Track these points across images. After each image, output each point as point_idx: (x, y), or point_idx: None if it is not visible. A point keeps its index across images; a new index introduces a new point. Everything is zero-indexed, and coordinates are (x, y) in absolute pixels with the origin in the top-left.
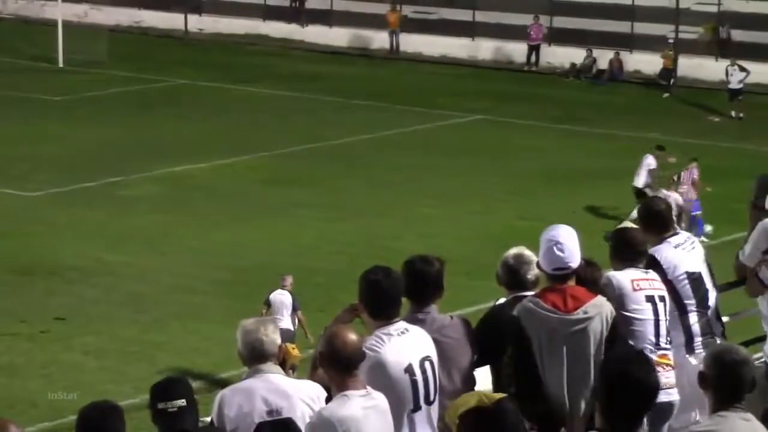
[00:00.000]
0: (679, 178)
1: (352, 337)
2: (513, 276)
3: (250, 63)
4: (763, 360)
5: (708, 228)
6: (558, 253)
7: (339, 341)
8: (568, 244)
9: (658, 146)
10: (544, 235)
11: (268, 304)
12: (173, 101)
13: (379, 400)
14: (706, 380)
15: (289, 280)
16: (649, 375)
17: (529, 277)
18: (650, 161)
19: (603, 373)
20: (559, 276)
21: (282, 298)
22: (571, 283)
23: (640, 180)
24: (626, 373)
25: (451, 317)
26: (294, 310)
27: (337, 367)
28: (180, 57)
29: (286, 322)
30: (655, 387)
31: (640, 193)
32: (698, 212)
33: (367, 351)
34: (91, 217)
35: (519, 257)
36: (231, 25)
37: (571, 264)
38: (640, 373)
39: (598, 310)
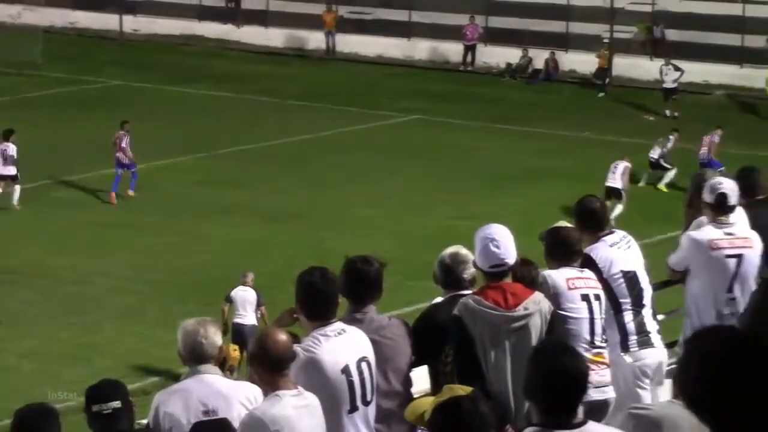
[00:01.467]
0: (700, 142)
1: (282, 337)
2: (450, 275)
3: (186, 64)
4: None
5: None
6: (494, 249)
7: (269, 342)
8: (504, 241)
9: (675, 129)
10: (479, 233)
11: (229, 300)
12: (109, 102)
13: (311, 399)
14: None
15: (250, 276)
16: (579, 363)
17: (465, 276)
18: (623, 166)
19: (534, 365)
20: (496, 273)
21: (245, 294)
22: (509, 280)
23: (656, 152)
24: (557, 363)
25: (390, 318)
26: (258, 305)
27: (268, 368)
28: (115, 58)
29: (250, 318)
30: (586, 375)
31: (655, 163)
32: (721, 168)
33: (303, 352)
34: (27, 219)
35: (455, 256)
36: (166, 26)
37: (507, 260)
38: (571, 363)
39: (538, 306)
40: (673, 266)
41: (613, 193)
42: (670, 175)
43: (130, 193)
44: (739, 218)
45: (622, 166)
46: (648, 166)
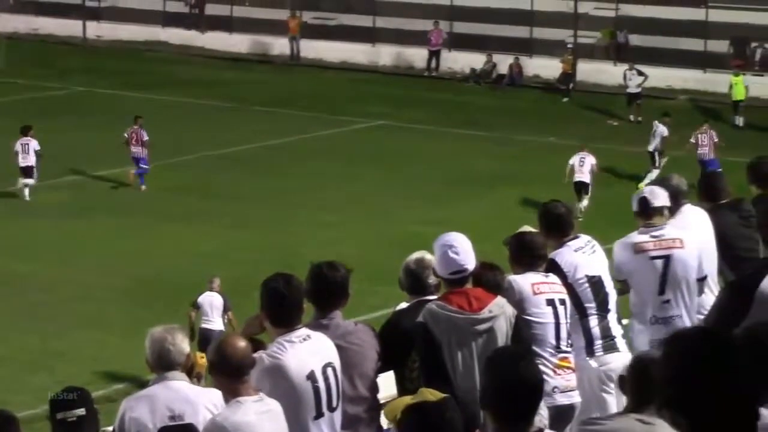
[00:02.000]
0: (697, 141)
1: (241, 344)
2: (415, 281)
3: (150, 70)
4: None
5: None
6: (453, 256)
7: (228, 348)
8: (463, 247)
9: (665, 113)
10: (438, 241)
11: (196, 306)
12: (73, 109)
13: (273, 405)
14: (623, 383)
15: (216, 281)
16: (533, 371)
17: (431, 281)
18: (663, 129)
19: (488, 374)
20: (456, 279)
21: (211, 299)
22: (469, 285)
23: (652, 145)
24: (511, 371)
25: (356, 323)
26: (225, 310)
27: (228, 374)
28: (79, 64)
29: (218, 324)
30: (541, 383)
31: (652, 156)
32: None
33: (268, 358)
34: None
35: (420, 262)
36: (130, 32)
37: (467, 266)
38: (526, 370)
39: (502, 309)
40: (614, 277)
41: (583, 188)
42: (652, 175)
43: (142, 188)
44: (683, 220)
45: (590, 161)
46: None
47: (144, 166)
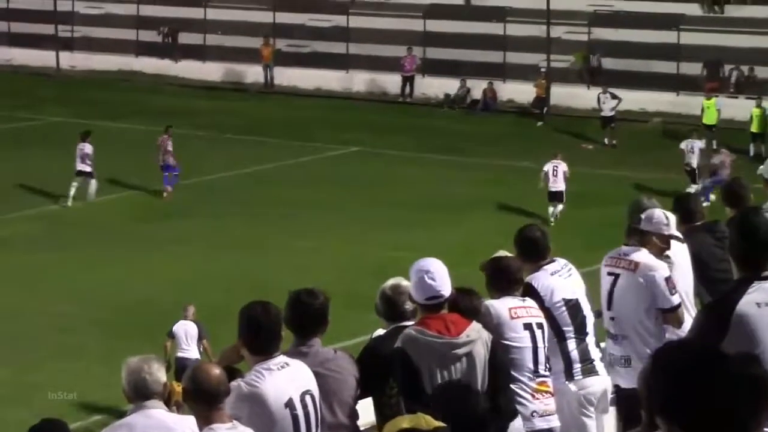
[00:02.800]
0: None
1: (215, 371)
2: (392, 307)
3: (124, 99)
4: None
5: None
6: (430, 282)
7: (202, 376)
8: (439, 272)
9: (695, 129)
10: (414, 267)
11: (171, 335)
12: (46, 139)
13: None
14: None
15: (191, 309)
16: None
17: (407, 307)
18: (699, 144)
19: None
20: (432, 305)
21: (186, 327)
22: (445, 311)
23: (694, 161)
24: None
25: (335, 351)
26: (200, 338)
27: (202, 402)
28: (52, 94)
29: (193, 352)
30: None
31: (692, 173)
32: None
33: (246, 386)
34: None
35: (396, 288)
36: (103, 62)
37: (443, 292)
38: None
39: (479, 334)
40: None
41: (557, 196)
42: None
43: (168, 189)
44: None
45: (562, 168)
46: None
47: (174, 173)
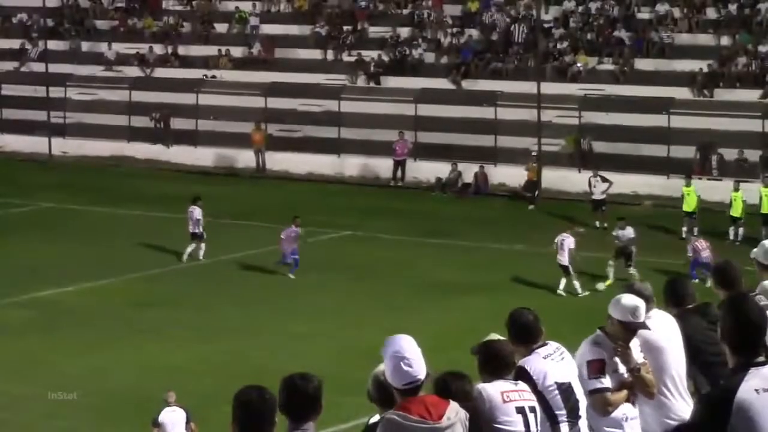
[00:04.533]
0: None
1: None
2: (384, 392)
3: (116, 185)
4: None
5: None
6: (407, 368)
7: None
8: (414, 357)
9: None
10: (388, 350)
11: (156, 424)
12: (39, 225)
13: None
14: None
15: (173, 396)
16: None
17: None
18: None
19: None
20: (410, 389)
21: (173, 415)
22: (422, 393)
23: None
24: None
25: None
26: (187, 422)
27: None
28: (45, 181)
29: None
30: None
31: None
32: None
33: None
34: None
35: None
36: (96, 148)
37: (420, 377)
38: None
39: (458, 416)
40: None
41: (563, 269)
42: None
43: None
44: (651, 324)
45: (568, 243)
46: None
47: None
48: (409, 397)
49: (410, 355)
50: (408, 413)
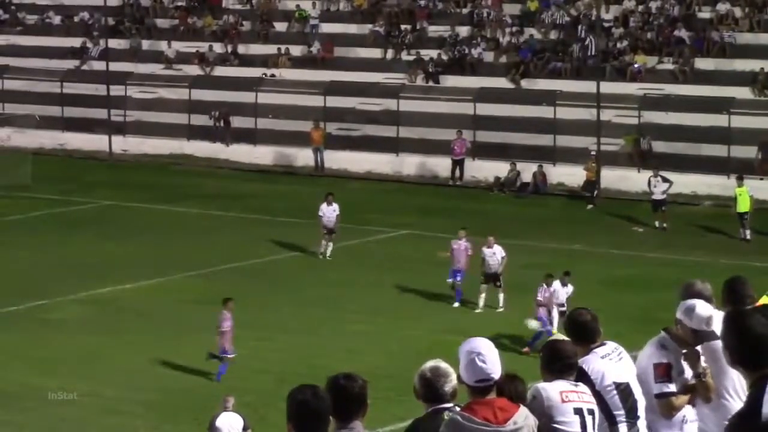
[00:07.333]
0: None
1: None
2: (430, 389)
3: (176, 183)
4: None
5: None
6: (480, 364)
7: None
8: (489, 355)
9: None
10: (464, 347)
11: (213, 429)
12: (99, 223)
13: None
14: None
15: (231, 400)
16: None
17: (446, 389)
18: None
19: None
20: (481, 388)
21: (230, 420)
22: (494, 395)
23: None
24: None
25: None
26: (245, 429)
27: None
28: (105, 178)
29: None
30: None
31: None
32: None
33: None
34: (17, 342)
35: (435, 370)
36: (155, 146)
37: (493, 375)
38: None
39: (526, 420)
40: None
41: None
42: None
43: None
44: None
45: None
46: None
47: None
48: (479, 398)
49: (486, 352)
50: (473, 415)
